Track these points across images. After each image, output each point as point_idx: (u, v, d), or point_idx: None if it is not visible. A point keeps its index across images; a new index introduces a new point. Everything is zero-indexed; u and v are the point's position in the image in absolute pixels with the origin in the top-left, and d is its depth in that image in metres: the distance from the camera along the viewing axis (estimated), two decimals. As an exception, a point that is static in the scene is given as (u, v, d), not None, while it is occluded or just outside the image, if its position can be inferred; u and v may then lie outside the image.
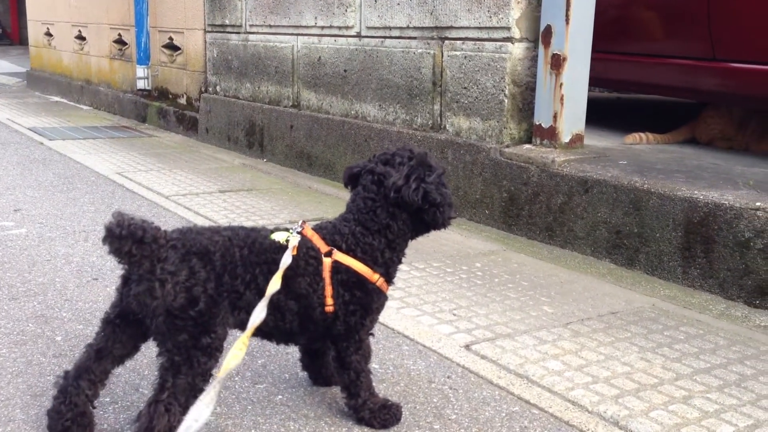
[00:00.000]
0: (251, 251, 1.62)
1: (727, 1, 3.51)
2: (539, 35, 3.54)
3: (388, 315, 2.47)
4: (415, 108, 4.14)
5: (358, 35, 4.50)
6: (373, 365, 2.08)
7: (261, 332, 1.68)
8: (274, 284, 1.56)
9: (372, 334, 1.77)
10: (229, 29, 5.73)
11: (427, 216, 1.70)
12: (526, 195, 3.47)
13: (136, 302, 1.52)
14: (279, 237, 1.69)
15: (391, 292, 2.67)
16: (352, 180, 1.79)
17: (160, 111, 6.65)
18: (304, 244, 1.69)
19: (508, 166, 3.55)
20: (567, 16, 3.41)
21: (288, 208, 3.88)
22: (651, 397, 1.93)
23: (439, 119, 4.00)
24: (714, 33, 3.58)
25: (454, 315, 2.49)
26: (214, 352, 1.53)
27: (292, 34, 5.07)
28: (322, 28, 4.78)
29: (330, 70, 4.76)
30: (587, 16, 3.48)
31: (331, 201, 4.06)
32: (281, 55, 5.20)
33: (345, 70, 4.63)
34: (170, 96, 6.65)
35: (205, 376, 1.52)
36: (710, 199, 2.78)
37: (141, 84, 6.82)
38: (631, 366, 2.11)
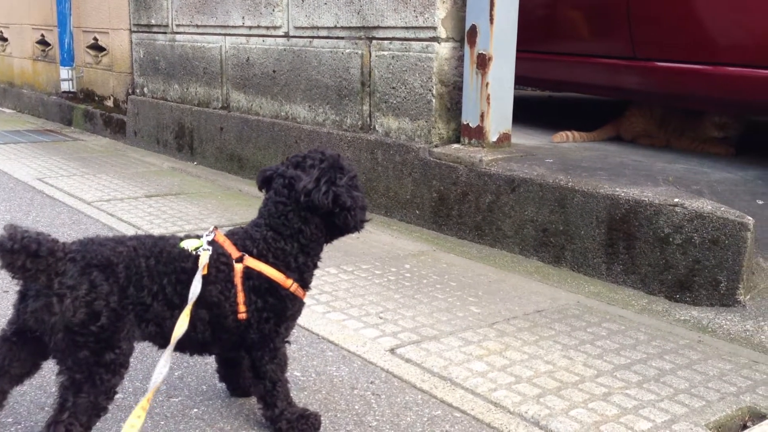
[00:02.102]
0: (158, 261, 1.56)
1: (647, 2, 3.58)
2: (465, 35, 3.55)
3: (313, 320, 2.43)
4: (344, 109, 4.11)
5: (287, 35, 4.44)
6: (295, 373, 2.04)
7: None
8: (180, 326, 1.51)
9: (288, 342, 1.73)
10: (155, 29, 5.59)
11: (338, 219, 1.67)
12: (456, 195, 3.47)
13: (33, 319, 1.44)
14: (189, 245, 1.63)
15: (318, 296, 2.65)
16: (265, 183, 1.75)
17: (86, 114, 6.46)
18: (216, 251, 1.64)
19: (438, 166, 3.54)
20: (491, 15, 3.43)
21: (216, 213, 3.80)
22: (572, 395, 1.94)
23: (368, 120, 3.98)
24: (634, 32, 3.65)
25: (381, 318, 2.47)
26: (119, 368, 1.47)
27: (219, 34, 4.98)
28: (250, 28, 4.70)
29: (259, 71, 4.69)
30: (511, 15, 3.50)
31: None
32: (209, 56, 5.10)
33: (274, 71, 4.57)
34: (96, 98, 6.46)
35: (109, 394, 1.45)
36: (631, 195, 2.82)
37: (65, 86, 6.60)
38: (553, 364, 2.12)
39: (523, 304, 2.64)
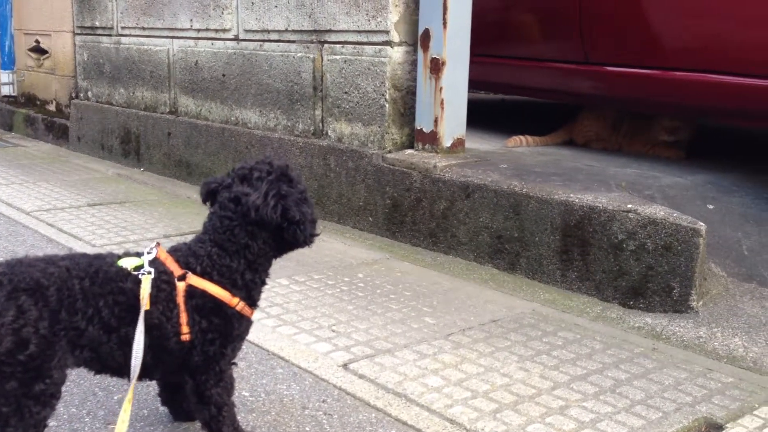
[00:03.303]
0: (94, 282, 1.47)
1: (597, 7, 3.59)
2: (418, 39, 3.50)
3: (263, 335, 2.35)
4: (296, 114, 4.03)
5: (236, 38, 4.34)
6: (244, 393, 1.96)
7: (110, 369, 1.53)
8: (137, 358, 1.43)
9: (235, 364, 1.65)
10: (99, 31, 5.42)
11: (287, 234, 1.59)
12: (410, 201, 3.42)
13: (-46, 347, 1.34)
14: (128, 263, 1.54)
15: (268, 309, 2.57)
16: (209, 196, 1.67)
17: (28, 118, 6.24)
18: (157, 270, 1.55)
19: (391, 172, 3.49)
20: (444, 19, 3.38)
21: (163, 221, 3.68)
22: (529, 409, 1.90)
23: (320, 125, 3.90)
24: (586, 37, 3.65)
25: (333, 331, 2.40)
26: (50, 399, 1.37)
27: (167, 37, 4.84)
28: (198, 30, 4.58)
29: (208, 75, 4.57)
30: (464, 19, 3.47)
31: (211, 212, 3.86)
32: (156, 59, 4.96)
33: (224, 75, 4.46)
34: (38, 102, 6.25)
35: (39, 428, 1.36)
36: (585, 202, 2.80)
37: (5, 90, 6.37)
38: (510, 377, 2.08)
39: (479, 313, 2.60)
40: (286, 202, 1.57)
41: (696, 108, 3.42)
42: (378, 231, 3.57)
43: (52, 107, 6.08)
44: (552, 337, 2.38)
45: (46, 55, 6.01)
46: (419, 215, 3.38)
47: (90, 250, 3.17)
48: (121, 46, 5.24)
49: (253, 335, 2.30)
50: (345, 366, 2.14)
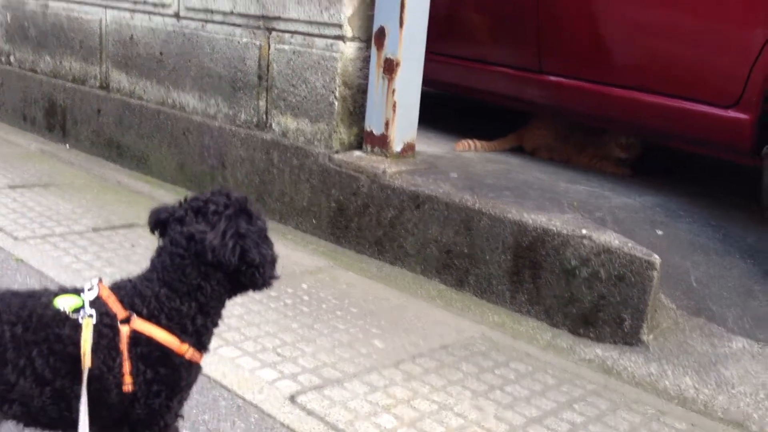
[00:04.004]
0: (26, 327, 1.30)
1: (555, 17, 3.52)
2: (372, 36, 3.36)
3: (205, 357, 2.19)
4: (238, 102, 3.83)
5: (177, 15, 4.08)
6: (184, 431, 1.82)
7: (41, 423, 1.37)
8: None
9: (181, 416, 1.51)
10: (25, -7, 5.04)
11: (244, 277, 1.46)
12: (356, 206, 3.30)
13: None
14: (65, 304, 1.37)
15: (207, 324, 2.41)
16: (158, 226, 1.50)
17: (-59, 79, 5.77)
18: (98, 311, 1.39)
19: (338, 174, 3.36)
20: (401, 18, 3.25)
21: (92, 211, 3.44)
22: (485, 457, 1.83)
23: (264, 117, 3.72)
24: (542, 46, 3.59)
25: (279, 355, 2.27)
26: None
27: (99, 6, 4.53)
28: (135, 2, 4.30)
29: (144, 51, 4.30)
30: (422, 19, 3.34)
31: (144, 202, 3.64)
32: (87, 29, 4.64)
33: (161, 53, 4.20)
34: (-47, 62, 5.79)
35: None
36: (539, 224, 2.75)
37: None
38: (464, 418, 2.01)
39: (428, 336, 2.51)
40: (245, 243, 1.43)
41: (643, 127, 3.41)
42: (321, 234, 3.44)
43: (-32, 69, 5.64)
44: (504, 369, 2.32)
45: (-36, 11, 5.56)
46: (365, 221, 3.26)
47: (12, 244, 2.94)
48: (49, 10, 4.88)
49: (192, 357, 2.15)
50: (292, 399, 2.02)
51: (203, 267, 1.44)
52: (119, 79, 4.47)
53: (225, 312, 2.48)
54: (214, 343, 2.28)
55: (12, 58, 5.24)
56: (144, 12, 4.27)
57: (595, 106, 3.47)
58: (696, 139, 3.21)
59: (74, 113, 4.71)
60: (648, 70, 3.23)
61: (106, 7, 4.49)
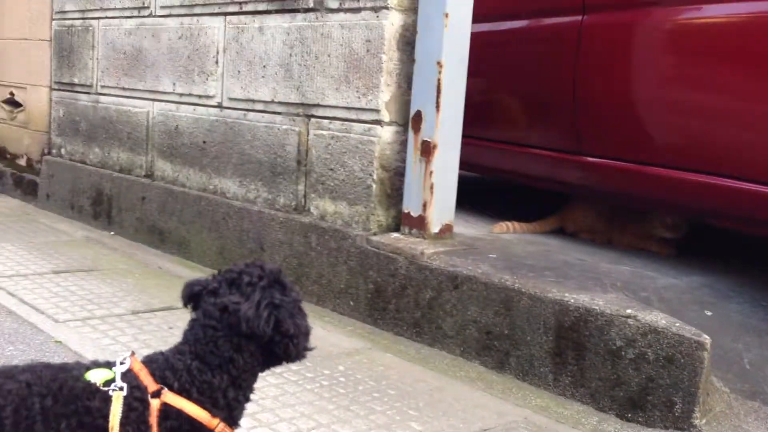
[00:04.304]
0: (56, 400, 1.29)
1: (592, 98, 3.54)
2: (409, 120, 3.41)
3: (236, 439, 2.15)
4: (278, 187, 3.89)
5: (220, 106, 4.22)
6: None
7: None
8: None
9: (210, 496, 1.45)
10: (78, 88, 5.28)
11: (278, 348, 1.43)
12: (394, 287, 3.27)
13: None
14: (96, 377, 1.36)
15: (242, 406, 2.37)
16: (192, 299, 1.50)
17: (-4, 171, 6.02)
18: (129, 384, 1.37)
19: (375, 256, 3.35)
20: (438, 102, 3.31)
21: (132, 295, 3.47)
22: None
23: (303, 200, 3.76)
24: (579, 127, 3.59)
25: (313, 437, 2.21)
26: None
27: (147, 99, 4.72)
28: (181, 95, 4.46)
29: (188, 140, 4.43)
30: (458, 103, 3.39)
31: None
32: (135, 121, 4.82)
33: (204, 142, 4.32)
34: (8, 156, 6.04)
35: None
36: (581, 303, 2.68)
37: (-26, 141, 6.16)
38: (507, 503, 1.91)
39: (468, 419, 2.43)
40: (279, 313, 1.41)
41: (689, 207, 3.35)
42: (359, 316, 3.40)
43: (22, 162, 5.88)
44: (548, 453, 2.22)
45: (20, 108, 5.84)
46: (403, 303, 3.23)
47: (52, 326, 2.96)
48: (100, 104, 5.10)
49: (225, 439, 2.10)
50: (326, 482, 1.95)
51: (236, 339, 1.42)
52: (163, 167, 4.60)
53: (259, 393, 2.46)
54: (247, 423, 2.24)
55: (63, 151, 5.45)
56: (189, 103, 4.42)
57: (637, 186, 3.43)
58: (744, 217, 3.13)
59: (119, 201, 4.83)
60: (692, 149, 3.18)
61: (153, 99, 4.67)
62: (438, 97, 3.31)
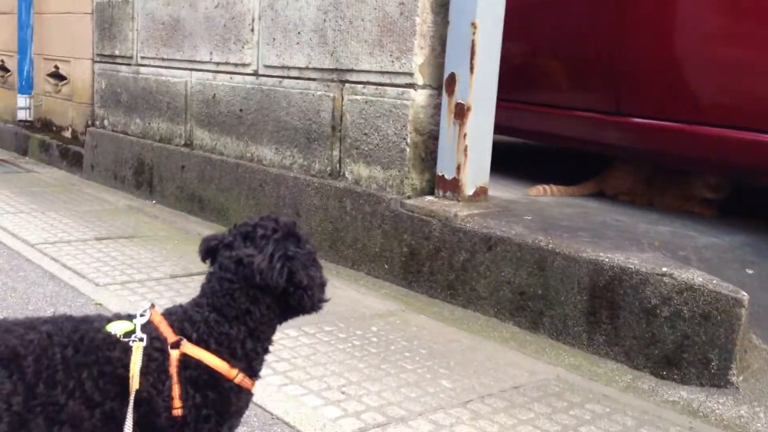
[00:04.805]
0: (77, 350, 1.32)
1: (631, 57, 3.45)
2: (443, 83, 3.37)
3: (267, 395, 2.19)
4: (313, 153, 3.90)
5: (255, 73, 4.24)
6: (242, 465, 1.79)
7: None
8: None
9: (233, 442, 1.48)
10: (119, 60, 5.36)
11: (293, 299, 1.44)
12: (428, 250, 3.26)
13: None
14: (117, 328, 1.39)
15: (275, 364, 2.40)
16: (209, 254, 1.52)
17: (43, 144, 6.16)
18: (149, 336, 1.39)
19: (410, 219, 3.34)
20: (472, 64, 3.25)
21: (170, 260, 3.53)
22: (555, 499, 1.72)
23: (338, 166, 3.77)
24: (618, 87, 3.51)
25: (343, 393, 2.23)
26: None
27: (185, 69, 4.76)
28: (218, 64, 4.49)
29: (225, 109, 4.47)
30: (492, 65, 3.34)
31: (221, 251, 3.71)
32: (174, 91, 4.87)
33: (241, 110, 4.35)
34: (54, 128, 6.18)
35: None
36: (616, 262, 2.63)
37: (22, 114, 6.32)
38: (534, 458, 1.90)
39: (499, 377, 2.42)
40: (293, 265, 1.42)
41: (733, 166, 3.25)
42: (393, 279, 3.41)
43: (67, 134, 6.01)
44: (579, 410, 2.20)
45: (65, 81, 5.96)
46: (437, 265, 3.22)
47: (93, 289, 3.04)
48: (140, 75, 5.16)
49: (257, 395, 2.12)
50: (354, 436, 1.97)
51: (252, 291, 1.43)
52: (202, 136, 4.65)
53: (291, 352, 2.49)
54: (278, 380, 2.28)
55: (106, 122, 5.55)
56: (226, 72, 4.45)
57: (680, 146, 3.33)
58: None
59: (160, 171, 4.91)
60: (737, 106, 3.09)
61: (191, 69, 4.71)
62: (472, 58, 3.26)
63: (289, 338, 2.63)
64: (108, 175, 5.42)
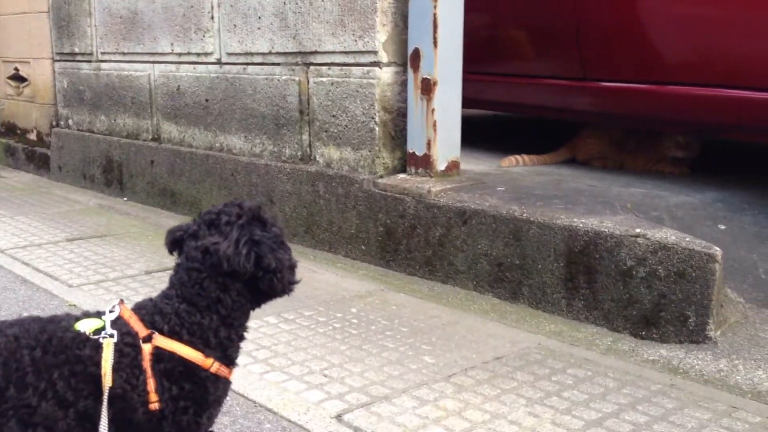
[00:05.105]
0: (46, 351, 1.29)
1: (595, 22, 3.44)
2: (408, 59, 3.34)
3: (249, 383, 2.17)
4: (282, 139, 3.86)
5: (219, 62, 4.18)
6: (227, 454, 1.78)
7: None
8: None
9: None
10: (79, 57, 5.26)
11: (263, 284, 1.42)
12: (403, 228, 3.25)
13: None
14: (86, 326, 1.36)
15: (255, 352, 2.39)
16: (175, 245, 1.49)
17: (8, 148, 6.06)
18: (120, 332, 1.37)
19: (383, 198, 3.32)
20: (435, 38, 3.23)
21: (145, 256, 3.49)
22: (541, 464, 1.73)
23: (308, 150, 3.74)
24: (584, 53, 3.50)
25: (326, 376, 2.22)
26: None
27: (147, 62, 4.68)
28: (180, 54, 4.42)
29: (191, 100, 4.41)
30: (456, 38, 3.31)
31: (196, 244, 3.68)
32: (137, 85, 4.80)
33: (207, 100, 4.30)
34: (19, 131, 6.08)
35: None
36: (590, 226, 2.64)
37: (-15, 120, 6.20)
38: (519, 425, 1.91)
39: (481, 350, 2.42)
40: (260, 249, 1.40)
41: (698, 123, 3.26)
42: (371, 260, 3.40)
43: (32, 136, 5.91)
44: (561, 375, 2.21)
45: (26, 83, 5.85)
46: (414, 243, 3.21)
47: (66, 291, 3.00)
48: (101, 72, 5.08)
49: (238, 384, 2.13)
50: (339, 417, 1.96)
51: (220, 278, 1.41)
52: (169, 129, 4.59)
53: (272, 339, 2.48)
54: (259, 368, 2.27)
55: (70, 122, 5.46)
56: (189, 62, 4.39)
57: (647, 107, 3.34)
58: (758, 128, 3.05)
59: (129, 167, 4.84)
60: (702, 63, 3.09)
61: (153, 62, 4.64)
62: (435, 32, 3.23)
63: (268, 325, 2.61)
64: (76, 175, 5.35)
